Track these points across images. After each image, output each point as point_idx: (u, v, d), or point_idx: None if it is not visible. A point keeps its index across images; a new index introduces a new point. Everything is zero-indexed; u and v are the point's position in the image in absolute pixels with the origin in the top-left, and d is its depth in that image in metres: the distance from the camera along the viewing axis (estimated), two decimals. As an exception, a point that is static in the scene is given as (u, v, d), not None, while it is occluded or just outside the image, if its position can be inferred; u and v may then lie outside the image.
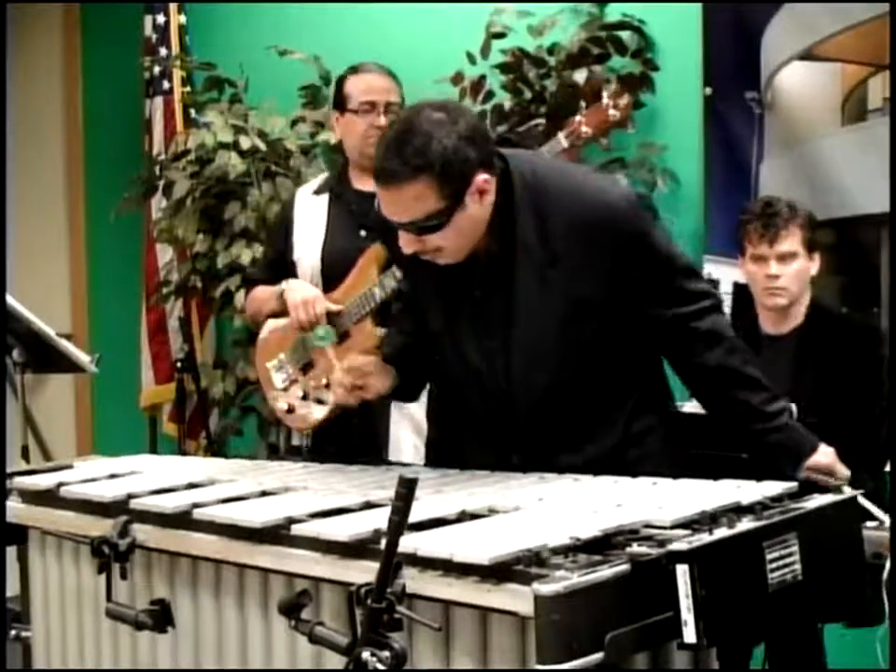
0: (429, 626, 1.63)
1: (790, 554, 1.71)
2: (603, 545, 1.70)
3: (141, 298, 5.05)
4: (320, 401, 3.14)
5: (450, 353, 2.33)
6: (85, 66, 5.65)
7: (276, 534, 1.94)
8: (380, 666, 1.55)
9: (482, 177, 2.11)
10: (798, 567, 1.72)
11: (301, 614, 1.76)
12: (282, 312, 3.15)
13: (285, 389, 3.22)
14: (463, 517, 1.91)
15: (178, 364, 4.48)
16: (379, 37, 4.39)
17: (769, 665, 2.85)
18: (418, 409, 3.03)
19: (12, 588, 2.72)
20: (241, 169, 4.21)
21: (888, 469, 2.90)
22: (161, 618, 2.09)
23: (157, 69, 4.90)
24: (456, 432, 2.44)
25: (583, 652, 1.52)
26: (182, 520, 2.12)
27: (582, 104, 3.01)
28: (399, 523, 1.57)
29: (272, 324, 3.25)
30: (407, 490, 1.57)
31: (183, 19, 4.94)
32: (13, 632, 2.68)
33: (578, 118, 2.98)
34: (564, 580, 1.53)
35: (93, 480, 2.48)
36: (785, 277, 2.94)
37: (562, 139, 2.98)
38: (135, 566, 2.21)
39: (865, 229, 3.49)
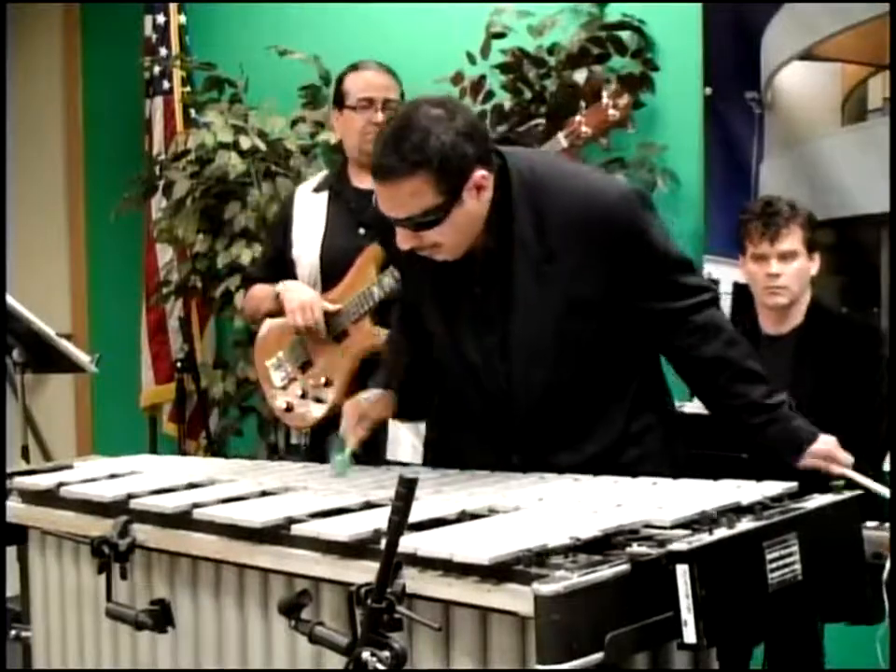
0: (429, 626, 1.63)
1: (790, 554, 1.71)
2: (603, 545, 1.70)
3: (141, 298, 5.05)
4: (319, 400, 3.14)
5: (450, 352, 2.33)
6: (85, 66, 5.65)
7: (276, 534, 1.94)
8: (380, 666, 1.55)
9: (479, 173, 2.11)
10: (798, 566, 1.72)
11: (300, 614, 1.76)
12: (279, 312, 3.15)
13: (283, 387, 3.22)
14: (463, 517, 1.91)
15: (178, 364, 4.48)
16: (379, 37, 4.39)
17: (769, 665, 2.85)
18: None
19: (12, 588, 2.72)
20: (241, 169, 4.21)
21: (887, 468, 2.90)
22: (161, 618, 2.09)
23: (157, 69, 4.90)
24: (455, 432, 2.44)
25: (583, 652, 1.52)
26: (182, 520, 2.11)
27: (582, 104, 3.01)
28: (399, 523, 1.57)
29: (270, 322, 3.25)
30: (407, 490, 1.57)
31: (183, 19, 4.95)
32: (13, 632, 2.68)
33: (577, 117, 2.99)
34: (564, 580, 1.53)
35: (93, 480, 2.48)
36: (785, 276, 2.94)
37: (561, 139, 2.99)
38: (135, 566, 2.21)
39: (865, 229, 3.49)
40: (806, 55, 3.58)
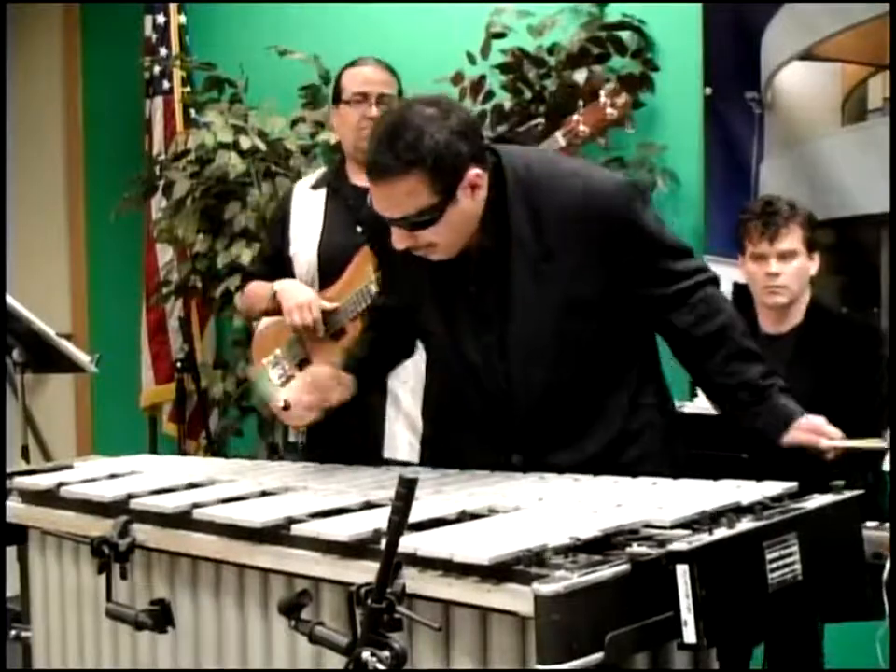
0: (429, 626, 1.63)
1: (790, 554, 1.71)
2: (603, 545, 1.70)
3: (141, 298, 5.05)
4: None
5: (450, 352, 2.33)
6: (85, 66, 5.66)
7: (276, 534, 1.94)
8: (380, 666, 1.55)
9: (473, 172, 2.11)
10: (798, 566, 1.72)
11: (301, 614, 1.76)
12: (275, 311, 3.14)
13: (281, 385, 3.22)
14: (463, 517, 1.91)
15: (178, 364, 4.48)
16: (379, 37, 4.39)
17: (769, 665, 2.85)
18: (413, 406, 3.04)
19: (12, 588, 2.72)
20: (241, 169, 4.21)
21: (887, 468, 2.90)
22: (160, 618, 2.09)
23: (157, 69, 4.90)
24: (455, 432, 2.44)
25: (583, 652, 1.52)
26: (182, 520, 2.11)
27: (580, 103, 3.01)
28: (399, 523, 1.57)
29: (268, 319, 3.24)
30: (407, 490, 1.56)
31: (183, 19, 4.95)
32: (13, 632, 2.68)
33: (575, 116, 2.98)
34: (564, 580, 1.53)
35: (93, 480, 2.48)
36: (785, 275, 2.94)
37: (559, 138, 2.98)
38: (135, 566, 2.20)
39: (865, 229, 3.49)
40: (806, 55, 3.58)
